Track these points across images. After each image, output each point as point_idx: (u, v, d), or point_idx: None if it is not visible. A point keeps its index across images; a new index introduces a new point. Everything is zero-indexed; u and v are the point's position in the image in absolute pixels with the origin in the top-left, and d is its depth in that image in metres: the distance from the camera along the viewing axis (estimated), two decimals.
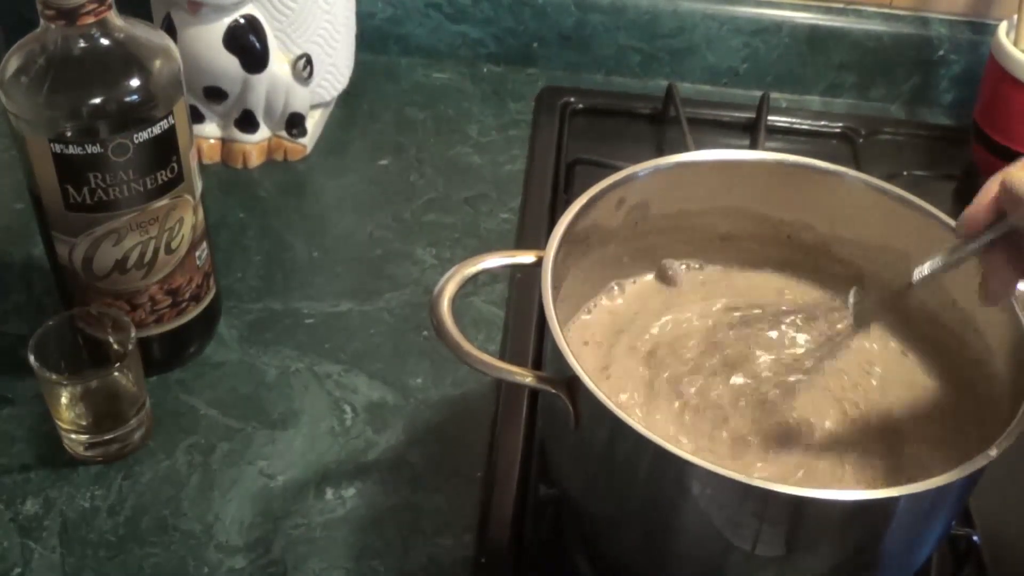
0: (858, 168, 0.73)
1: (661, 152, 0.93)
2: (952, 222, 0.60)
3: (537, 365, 0.72)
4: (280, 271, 0.80)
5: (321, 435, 0.69)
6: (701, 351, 0.63)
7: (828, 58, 1.01)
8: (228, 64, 0.84)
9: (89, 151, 0.60)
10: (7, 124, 0.61)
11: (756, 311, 0.65)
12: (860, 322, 0.62)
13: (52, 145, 0.60)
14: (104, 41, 0.60)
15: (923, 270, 0.57)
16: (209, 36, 0.83)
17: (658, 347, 0.63)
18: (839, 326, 0.63)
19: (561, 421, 0.54)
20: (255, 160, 0.90)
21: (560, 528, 0.64)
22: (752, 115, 0.96)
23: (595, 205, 0.61)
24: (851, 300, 0.62)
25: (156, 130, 0.62)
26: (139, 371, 0.66)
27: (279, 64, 0.86)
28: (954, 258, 0.55)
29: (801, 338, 0.64)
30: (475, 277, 0.57)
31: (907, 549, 0.54)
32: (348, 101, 0.97)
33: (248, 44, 0.84)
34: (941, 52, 1.00)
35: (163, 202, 0.64)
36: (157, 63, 0.62)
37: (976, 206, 0.52)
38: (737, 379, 0.61)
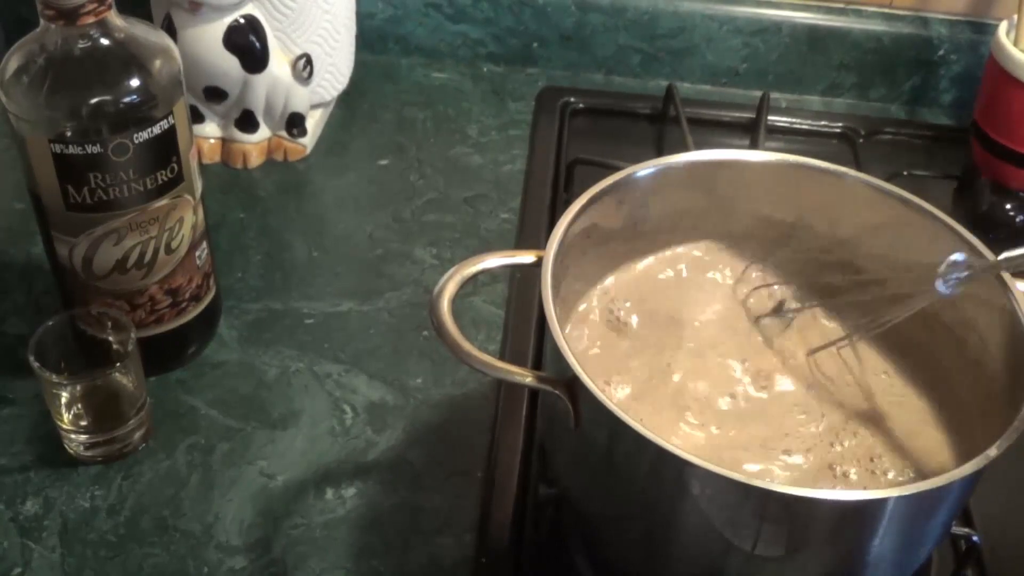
0: (858, 168, 0.73)
1: (661, 152, 0.93)
2: (951, 221, 0.60)
3: (537, 365, 0.72)
4: (280, 271, 0.80)
5: (321, 435, 0.69)
6: (701, 346, 0.63)
7: (828, 58, 1.01)
8: (228, 64, 0.84)
9: (89, 151, 0.60)
10: (7, 124, 0.61)
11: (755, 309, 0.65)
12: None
13: (52, 145, 0.60)
14: (104, 41, 0.60)
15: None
16: (209, 36, 0.83)
17: (657, 341, 0.63)
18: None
19: (561, 421, 0.54)
20: (255, 160, 0.90)
21: (560, 528, 0.64)
22: (752, 115, 0.96)
23: (595, 205, 0.61)
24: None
25: (156, 130, 0.62)
26: (139, 371, 0.66)
27: (279, 64, 0.86)
28: None
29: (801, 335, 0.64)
30: (475, 277, 0.57)
31: (907, 549, 0.54)
32: (348, 101, 0.97)
33: (248, 44, 0.84)
34: (941, 52, 1.00)
35: (163, 202, 0.64)
36: (157, 63, 0.62)
37: None
38: (735, 375, 0.61)
